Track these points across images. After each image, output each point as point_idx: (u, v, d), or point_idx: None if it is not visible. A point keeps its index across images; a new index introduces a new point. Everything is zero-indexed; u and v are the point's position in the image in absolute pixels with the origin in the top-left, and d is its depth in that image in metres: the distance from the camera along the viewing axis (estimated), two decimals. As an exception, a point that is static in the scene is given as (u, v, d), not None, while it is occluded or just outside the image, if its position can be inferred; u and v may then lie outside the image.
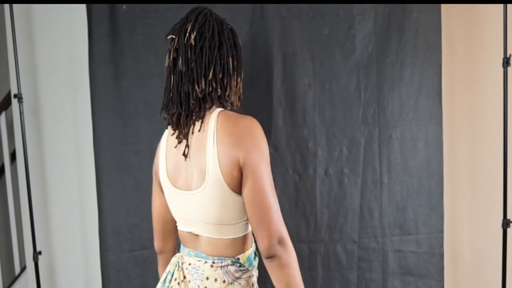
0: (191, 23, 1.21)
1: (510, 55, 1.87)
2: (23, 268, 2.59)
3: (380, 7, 1.86)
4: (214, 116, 1.17)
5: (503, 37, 1.86)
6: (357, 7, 1.86)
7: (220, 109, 1.21)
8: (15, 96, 2.06)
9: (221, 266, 1.21)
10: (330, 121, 1.88)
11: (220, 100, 1.25)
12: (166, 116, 1.26)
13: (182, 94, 1.19)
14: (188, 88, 1.18)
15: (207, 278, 1.20)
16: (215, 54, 1.19)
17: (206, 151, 1.14)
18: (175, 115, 1.22)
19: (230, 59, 1.22)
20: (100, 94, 1.88)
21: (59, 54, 2.15)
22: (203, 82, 1.18)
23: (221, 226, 1.19)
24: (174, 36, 1.23)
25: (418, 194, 1.91)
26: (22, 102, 2.06)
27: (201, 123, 1.18)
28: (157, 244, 1.41)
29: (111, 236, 1.89)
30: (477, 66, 2.12)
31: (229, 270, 1.21)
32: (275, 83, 1.86)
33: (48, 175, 2.22)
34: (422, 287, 1.92)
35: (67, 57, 2.15)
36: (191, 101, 1.18)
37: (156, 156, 1.33)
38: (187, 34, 1.19)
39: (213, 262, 1.21)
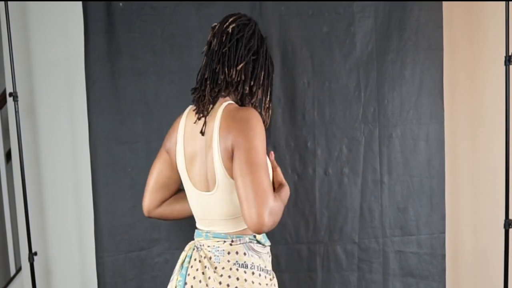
0: (235, 17, 1.35)
1: (512, 53, 1.86)
2: (18, 269, 2.57)
3: (380, 4, 1.85)
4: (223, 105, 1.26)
5: (505, 35, 1.85)
6: (357, 5, 1.84)
7: (230, 101, 1.29)
8: (10, 94, 2.04)
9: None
10: (330, 120, 1.86)
11: (238, 97, 1.32)
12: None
13: (211, 73, 1.28)
14: (217, 68, 1.27)
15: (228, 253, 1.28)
16: (249, 56, 1.29)
17: None
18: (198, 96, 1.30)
19: (263, 72, 1.33)
20: (96, 93, 1.86)
21: (55, 52, 2.13)
22: (232, 70, 1.27)
23: None
24: (216, 24, 1.35)
25: (419, 194, 1.89)
26: (17, 101, 2.03)
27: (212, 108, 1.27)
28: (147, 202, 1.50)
29: (107, 236, 1.87)
30: (479, 64, 2.10)
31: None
32: (273, 81, 1.84)
33: (43, 175, 2.20)
34: (423, 289, 1.90)
35: (63, 55, 2.13)
36: (218, 81, 1.26)
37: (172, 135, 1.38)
38: (227, 23, 1.32)
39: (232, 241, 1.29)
